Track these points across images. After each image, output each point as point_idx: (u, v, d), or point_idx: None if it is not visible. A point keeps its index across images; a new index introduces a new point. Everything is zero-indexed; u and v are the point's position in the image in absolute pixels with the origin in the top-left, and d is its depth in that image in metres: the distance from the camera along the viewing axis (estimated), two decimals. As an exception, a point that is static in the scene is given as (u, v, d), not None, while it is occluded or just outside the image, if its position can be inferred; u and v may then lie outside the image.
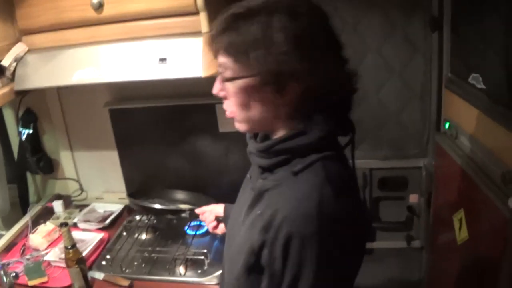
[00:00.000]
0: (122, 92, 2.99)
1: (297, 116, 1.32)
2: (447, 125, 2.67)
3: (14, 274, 2.47)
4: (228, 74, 1.31)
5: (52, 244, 2.79)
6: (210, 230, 2.20)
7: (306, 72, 1.23)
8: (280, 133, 1.38)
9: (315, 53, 1.25)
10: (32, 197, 3.27)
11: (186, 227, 2.91)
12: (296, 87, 1.26)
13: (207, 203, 2.30)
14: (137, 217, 3.04)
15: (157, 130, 2.96)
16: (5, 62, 2.29)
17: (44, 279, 2.47)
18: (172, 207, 2.82)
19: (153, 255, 2.68)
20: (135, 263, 2.62)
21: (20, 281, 2.48)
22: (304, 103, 1.29)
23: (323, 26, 1.32)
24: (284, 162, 1.34)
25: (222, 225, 2.15)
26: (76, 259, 2.29)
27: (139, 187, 3.12)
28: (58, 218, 3.09)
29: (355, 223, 1.29)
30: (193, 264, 2.53)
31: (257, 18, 1.23)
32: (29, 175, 3.25)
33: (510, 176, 1.95)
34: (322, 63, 1.26)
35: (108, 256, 2.68)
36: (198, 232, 2.83)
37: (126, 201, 3.15)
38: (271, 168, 1.38)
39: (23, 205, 3.16)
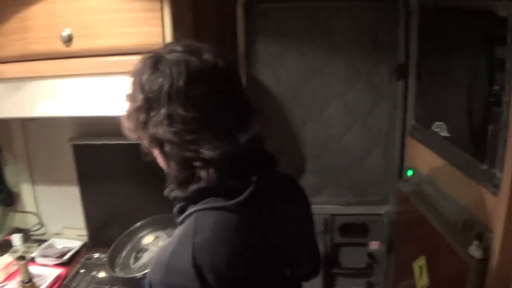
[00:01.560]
0: (87, 128, 2.95)
1: (180, 172, 1.30)
2: (409, 172, 2.69)
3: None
4: None
5: (9, 278, 2.72)
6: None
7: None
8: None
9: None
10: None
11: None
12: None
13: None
14: (96, 255, 2.99)
15: (120, 168, 2.92)
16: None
17: (0, 312, 2.40)
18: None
19: (110, 294, 2.62)
20: (92, 301, 2.56)
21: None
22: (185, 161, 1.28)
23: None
24: (180, 210, 1.35)
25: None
26: (33, 293, 2.24)
27: (100, 229, 3.06)
28: (16, 251, 3.00)
29: (229, 271, 1.24)
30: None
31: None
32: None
33: (472, 224, 1.96)
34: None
35: (64, 293, 2.62)
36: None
37: (85, 238, 3.09)
38: (176, 216, 1.37)
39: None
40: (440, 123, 2.27)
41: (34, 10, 2.17)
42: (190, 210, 1.30)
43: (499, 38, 1.74)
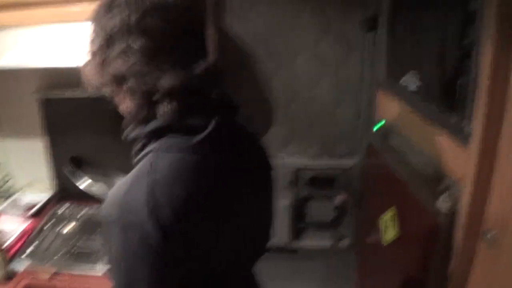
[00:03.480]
0: (53, 80, 2.87)
1: (142, 107, 1.28)
2: (379, 125, 2.67)
3: None
4: None
5: (-27, 232, 2.68)
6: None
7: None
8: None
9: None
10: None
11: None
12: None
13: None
14: (63, 209, 2.96)
15: (87, 120, 2.85)
16: None
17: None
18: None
19: (76, 247, 2.58)
20: (58, 255, 2.53)
21: None
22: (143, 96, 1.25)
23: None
24: (139, 150, 1.34)
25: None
26: (-1, 247, 2.20)
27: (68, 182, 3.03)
28: (-19, 205, 2.97)
29: (184, 211, 1.22)
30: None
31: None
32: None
33: (441, 176, 1.96)
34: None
35: (31, 247, 2.58)
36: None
37: (53, 191, 3.05)
38: (135, 156, 1.35)
39: None
40: (411, 75, 2.24)
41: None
42: (148, 149, 1.29)
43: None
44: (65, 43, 2.16)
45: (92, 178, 2.74)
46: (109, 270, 1.30)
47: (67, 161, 2.69)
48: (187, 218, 1.23)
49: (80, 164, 2.77)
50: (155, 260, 1.21)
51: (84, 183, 2.61)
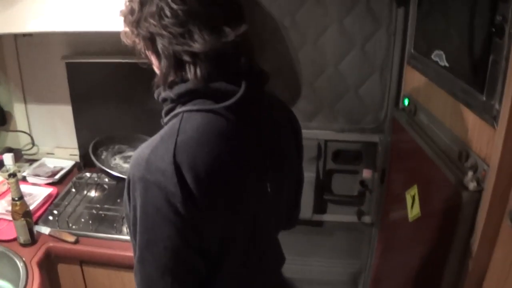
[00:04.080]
0: (81, 46, 2.90)
1: (171, 69, 1.33)
2: (406, 101, 2.66)
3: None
4: None
5: (0, 196, 2.72)
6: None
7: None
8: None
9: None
10: (-19, 148, 3.18)
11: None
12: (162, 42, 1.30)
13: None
14: (87, 174, 3.01)
15: (114, 88, 2.89)
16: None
17: (-11, 230, 2.41)
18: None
19: (100, 212, 2.65)
20: (82, 220, 2.60)
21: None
22: (172, 57, 1.31)
23: None
24: (168, 111, 1.39)
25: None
26: (22, 212, 2.24)
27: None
28: (7, 171, 3.00)
29: (208, 174, 1.26)
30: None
31: None
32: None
33: (467, 154, 1.95)
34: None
35: (55, 212, 2.64)
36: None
37: (77, 158, 3.13)
38: (163, 117, 1.41)
39: (-29, 154, 3.08)
40: (440, 52, 2.22)
41: None
42: (177, 110, 1.34)
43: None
44: (91, 8, 2.20)
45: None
46: (130, 228, 1.34)
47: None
48: (209, 182, 1.27)
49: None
50: (177, 219, 1.24)
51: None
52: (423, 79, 2.42)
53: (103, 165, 2.57)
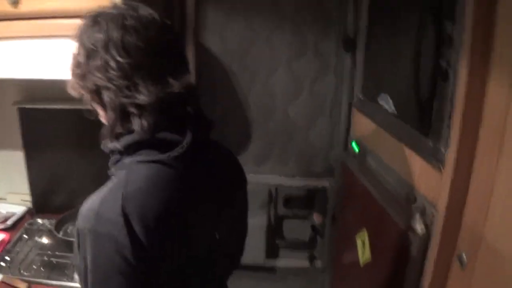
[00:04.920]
0: (33, 91, 2.89)
1: (118, 121, 1.33)
2: (354, 145, 2.69)
3: None
4: None
5: (-50, 242, 2.65)
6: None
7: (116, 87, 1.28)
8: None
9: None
10: None
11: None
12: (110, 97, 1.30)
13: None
14: (39, 220, 2.94)
15: (67, 133, 2.86)
16: None
17: None
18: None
19: (52, 259, 2.57)
20: (34, 267, 2.51)
21: None
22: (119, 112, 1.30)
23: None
24: (115, 162, 1.38)
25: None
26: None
27: (44, 195, 3.02)
28: (-43, 217, 2.93)
29: (157, 225, 1.25)
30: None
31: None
32: None
33: (415, 198, 1.97)
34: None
35: (7, 258, 2.56)
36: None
37: (29, 203, 3.04)
38: (110, 168, 1.40)
39: None
40: (386, 96, 2.26)
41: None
42: (124, 161, 1.34)
43: (447, 12, 1.73)
44: (45, 56, 2.18)
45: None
46: (81, 278, 1.31)
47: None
48: (159, 230, 1.25)
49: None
50: (129, 269, 1.22)
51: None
52: (371, 123, 2.45)
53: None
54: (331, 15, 2.79)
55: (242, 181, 1.69)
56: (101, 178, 1.66)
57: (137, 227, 1.21)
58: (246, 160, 3.03)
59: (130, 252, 1.20)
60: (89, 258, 1.24)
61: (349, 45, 2.73)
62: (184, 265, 1.41)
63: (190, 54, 2.89)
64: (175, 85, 1.29)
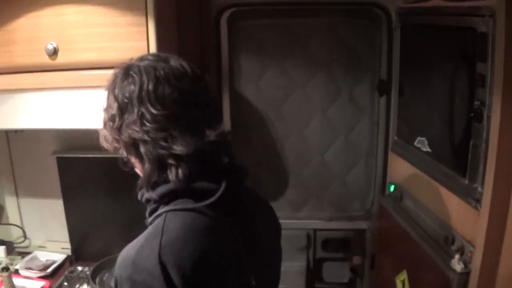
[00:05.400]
0: (71, 141, 2.94)
1: (154, 171, 1.35)
2: (392, 188, 2.71)
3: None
4: None
5: (-9, 289, 2.69)
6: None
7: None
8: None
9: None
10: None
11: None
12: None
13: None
14: (79, 268, 2.97)
15: (104, 181, 2.90)
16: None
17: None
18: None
19: (91, 308, 2.60)
20: (75, 314, 2.55)
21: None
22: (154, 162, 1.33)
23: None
24: (151, 211, 1.39)
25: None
26: (17, 305, 2.23)
27: (83, 242, 3.06)
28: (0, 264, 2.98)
29: (194, 273, 1.25)
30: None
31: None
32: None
33: (453, 238, 1.98)
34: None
35: (48, 305, 2.60)
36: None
37: (69, 251, 3.07)
38: (147, 217, 1.41)
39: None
40: (422, 138, 2.29)
41: (19, 23, 2.17)
42: (160, 210, 1.34)
43: (479, 54, 1.76)
44: (81, 106, 2.24)
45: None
46: None
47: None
48: (195, 279, 1.26)
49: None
50: None
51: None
52: (407, 165, 2.47)
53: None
54: (364, 61, 2.85)
55: (277, 228, 1.68)
56: (136, 225, 1.70)
57: (174, 276, 1.22)
58: (283, 206, 3.07)
59: None
60: None
61: (383, 88, 2.77)
62: None
63: (226, 102, 2.94)
64: (211, 135, 1.31)
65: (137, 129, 1.29)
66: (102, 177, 2.89)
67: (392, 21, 2.70)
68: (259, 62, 2.92)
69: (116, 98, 1.34)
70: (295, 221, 3.03)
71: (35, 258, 3.05)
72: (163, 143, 1.28)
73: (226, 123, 1.37)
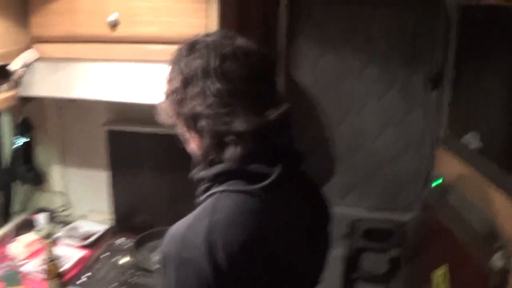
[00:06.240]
0: (123, 114, 2.98)
1: (212, 148, 1.34)
2: (438, 181, 2.69)
3: (-9, 280, 2.42)
4: None
5: (32, 255, 2.73)
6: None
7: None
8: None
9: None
10: (16, 207, 3.21)
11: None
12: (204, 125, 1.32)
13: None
14: (120, 240, 3.00)
15: (152, 156, 2.93)
16: (14, 66, 2.31)
17: (19, 288, 2.43)
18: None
19: (132, 279, 2.62)
20: (113, 285, 2.57)
21: (-3, 287, 2.43)
22: (212, 139, 1.32)
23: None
24: (204, 190, 1.39)
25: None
26: (55, 273, 2.29)
27: (126, 215, 3.11)
28: (39, 231, 3.02)
29: (240, 255, 1.26)
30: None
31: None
32: (16, 185, 3.19)
33: (496, 235, 1.96)
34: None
35: (87, 275, 2.63)
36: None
37: (110, 223, 3.11)
38: (199, 196, 1.40)
39: (5, 214, 3.10)
40: (473, 133, 2.27)
41: (83, -7, 2.22)
42: (213, 190, 1.34)
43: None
44: (137, 80, 2.27)
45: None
46: None
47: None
48: (241, 261, 1.27)
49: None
50: None
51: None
52: (456, 160, 2.45)
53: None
54: (420, 52, 2.83)
55: (328, 216, 1.66)
56: (181, 201, 1.72)
57: (220, 255, 1.22)
58: (330, 191, 3.01)
59: (212, 278, 1.22)
60: (171, 282, 1.27)
61: (436, 81, 2.75)
62: None
63: (281, 85, 2.94)
64: (273, 113, 1.31)
65: (199, 102, 1.29)
66: (150, 152, 2.92)
67: (451, 13, 2.66)
68: (316, 47, 2.94)
69: (181, 71, 1.34)
70: (340, 207, 3.04)
71: (77, 227, 3.08)
72: (224, 119, 1.28)
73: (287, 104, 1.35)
